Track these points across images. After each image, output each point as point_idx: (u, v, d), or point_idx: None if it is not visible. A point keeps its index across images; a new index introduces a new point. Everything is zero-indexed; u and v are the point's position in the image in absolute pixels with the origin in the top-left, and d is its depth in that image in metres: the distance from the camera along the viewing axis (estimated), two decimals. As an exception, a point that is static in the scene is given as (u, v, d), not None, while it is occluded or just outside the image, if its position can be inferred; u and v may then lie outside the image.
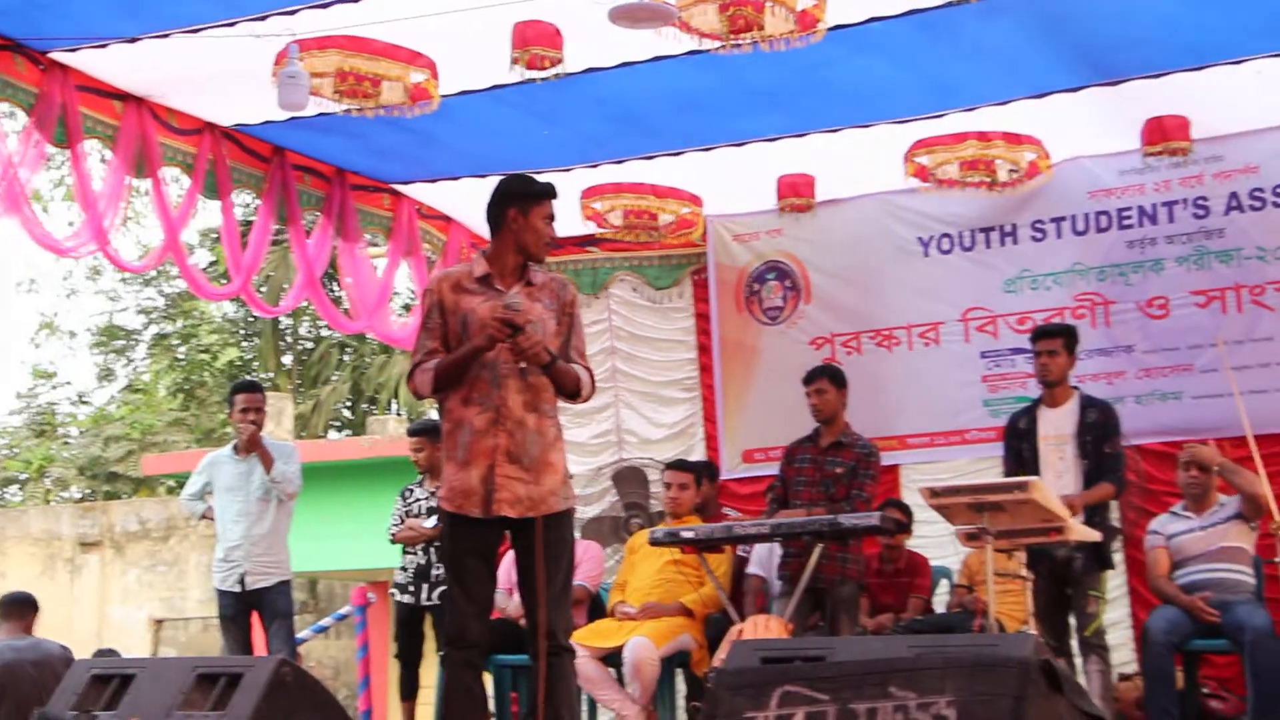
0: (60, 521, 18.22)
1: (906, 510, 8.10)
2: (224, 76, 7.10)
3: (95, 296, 31.92)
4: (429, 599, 8.07)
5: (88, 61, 6.97)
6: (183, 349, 26.86)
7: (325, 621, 12.59)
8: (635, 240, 9.08)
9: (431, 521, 7.95)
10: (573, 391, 5.14)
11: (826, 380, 7.53)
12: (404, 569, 8.25)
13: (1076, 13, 6.70)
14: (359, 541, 14.33)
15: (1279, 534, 6.52)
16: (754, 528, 7.08)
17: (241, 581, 7.90)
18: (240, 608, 7.96)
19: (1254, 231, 8.31)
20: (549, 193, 5.18)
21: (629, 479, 9.41)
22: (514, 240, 5.16)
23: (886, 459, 8.08)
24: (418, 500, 8.30)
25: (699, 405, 9.81)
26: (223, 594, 8.00)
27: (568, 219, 8.73)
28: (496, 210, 5.21)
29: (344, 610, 12.33)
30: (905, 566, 7.97)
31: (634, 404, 9.89)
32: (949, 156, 7.87)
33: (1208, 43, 6.97)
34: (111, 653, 8.75)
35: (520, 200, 5.15)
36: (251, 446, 7.95)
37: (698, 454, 9.59)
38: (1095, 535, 6.54)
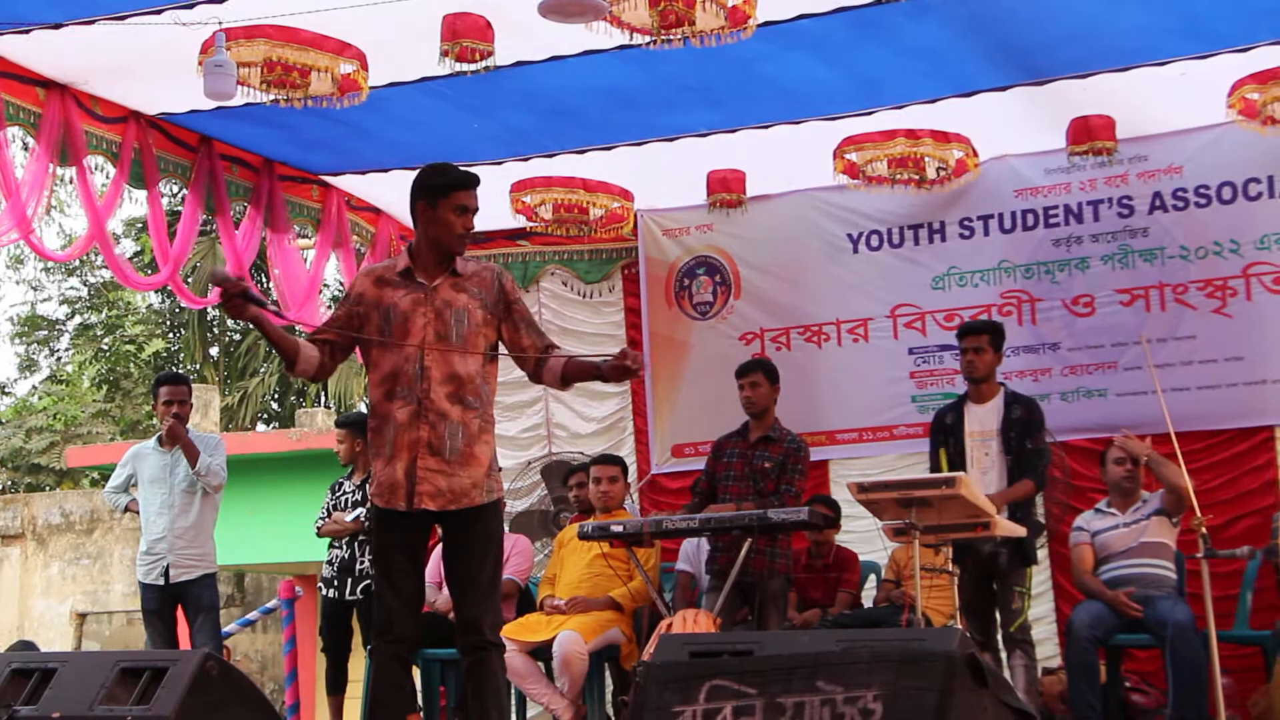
0: (-19, 514, 17.97)
1: (834, 506, 8.12)
2: (150, 64, 7.01)
3: (17, 286, 31.47)
4: (353, 593, 8.03)
5: (9, 47, 6.86)
6: (107, 340, 26.56)
7: (252, 615, 12.48)
8: (565, 234, 9.05)
9: (352, 515, 7.92)
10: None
11: (761, 374, 7.56)
12: (329, 563, 8.20)
13: (1004, 13, 6.74)
14: (286, 535, 14.24)
15: (1200, 530, 6.59)
16: (683, 522, 7.09)
17: (166, 574, 7.83)
18: (165, 601, 7.88)
19: (1177, 231, 8.41)
20: (460, 184, 5.07)
21: (558, 473, 9.40)
22: (424, 233, 5.13)
23: (816, 454, 8.11)
24: (345, 493, 8.26)
25: (629, 400, 9.80)
26: (146, 587, 7.92)
27: (498, 212, 8.72)
28: (411, 203, 5.17)
29: (271, 604, 12.21)
30: (833, 561, 7.99)
31: (563, 398, 9.86)
32: (878, 154, 7.90)
33: (1132, 44, 7.04)
34: (30, 645, 8.64)
35: (428, 193, 5.08)
36: (174, 439, 7.88)
37: (627, 449, 9.61)
38: (1020, 531, 6.59)
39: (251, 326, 4.99)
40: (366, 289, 5.14)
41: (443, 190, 5.06)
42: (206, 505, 7.99)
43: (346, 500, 8.19)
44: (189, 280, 22.54)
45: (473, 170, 5.27)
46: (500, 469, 5.25)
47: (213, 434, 8.39)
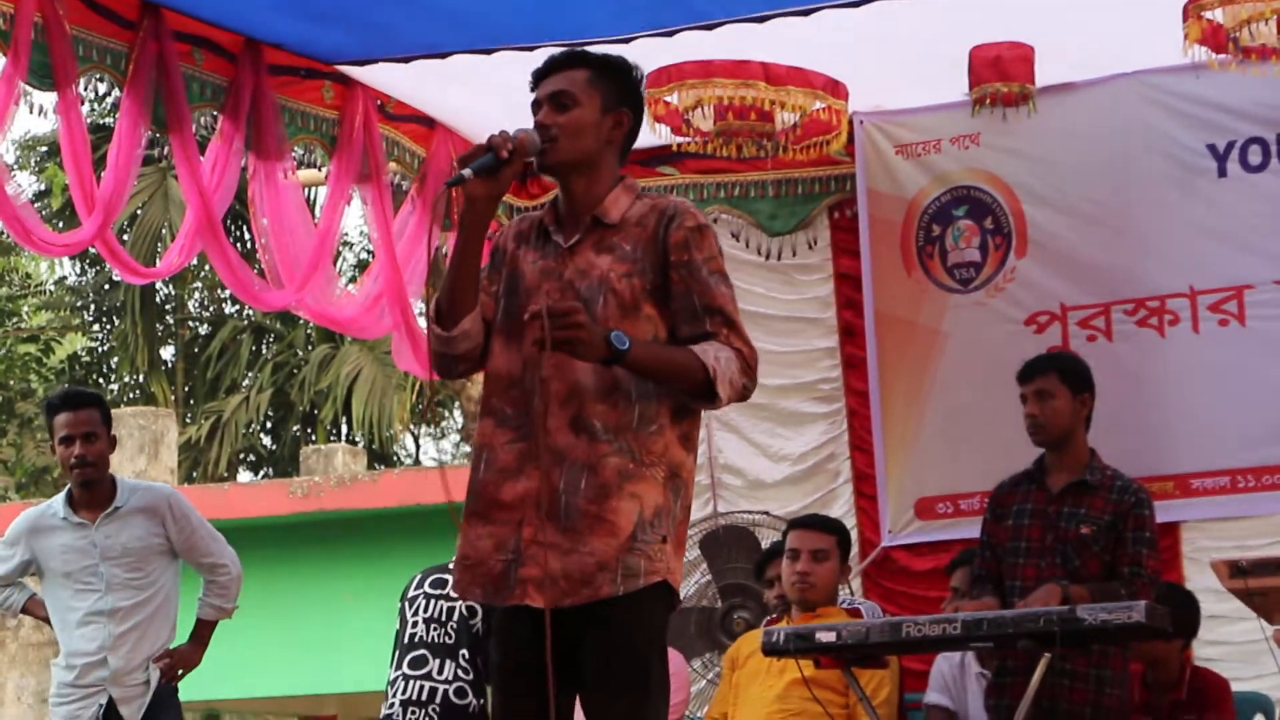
0: None
1: (1188, 602, 8.00)
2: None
3: None
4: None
5: None
6: (-8, 337, 27.11)
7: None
8: (736, 155, 9.11)
9: None
10: (691, 388, 5.07)
11: (1055, 377, 7.49)
12: None
13: None
14: (285, 653, 14.41)
15: None
16: (936, 626, 7.03)
17: (109, 711, 7.97)
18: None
19: None
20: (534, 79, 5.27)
21: (730, 547, 9.41)
22: None
23: (1158, 512, 7.99)
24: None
25: (843, 426, 9.86)
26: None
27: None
28: None
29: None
30: (1188, 693, 7.89)
31: (737, 424, 9.90)
32: (1261, 9, 7.76)
33: None
34: None
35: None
36: (174, 670, 8.12)
37: (842, 505, 9.63)
38: None
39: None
40: (507, 243, 5.32)
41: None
42: (164, 595, 8.14)
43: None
44: (125, 238, 22.85)
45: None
46: (667, 535, 5.17)
47: (162, 486, 8.49)
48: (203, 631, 8.21)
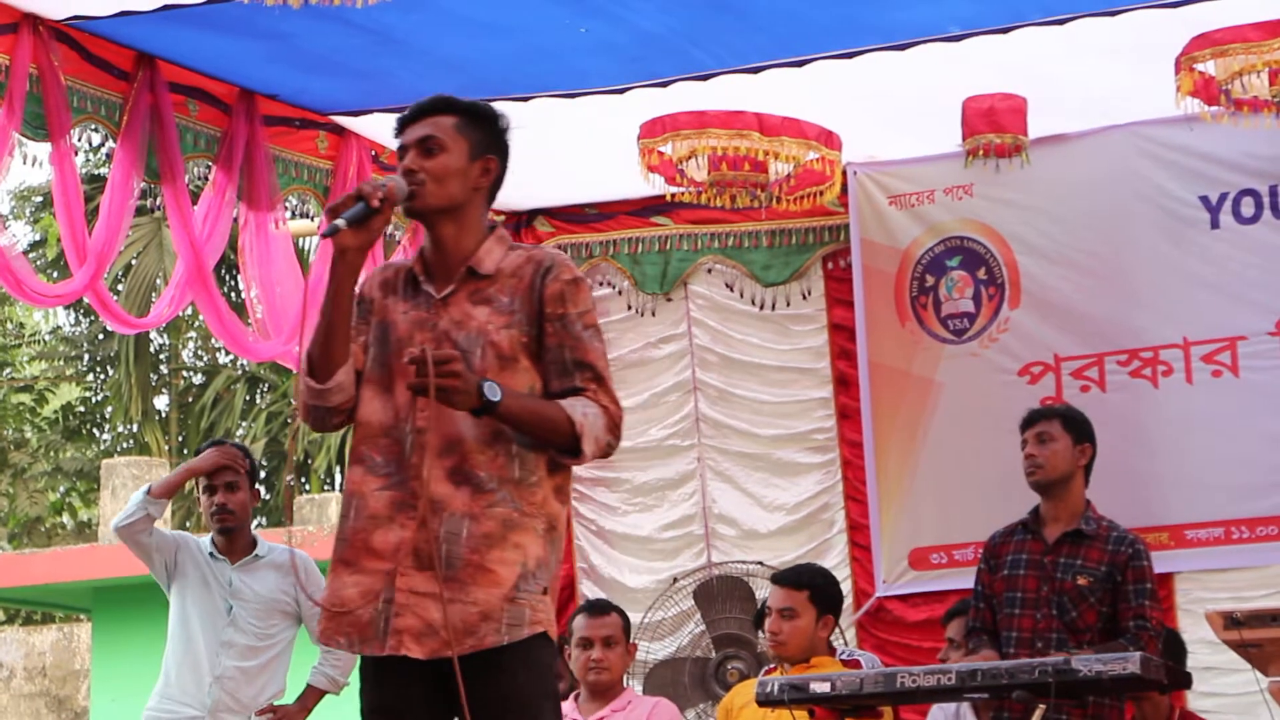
0: None
1: (1179, 650, 7.98)
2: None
3: None
4: None
5: None
6: (-13, 387, 27.09)
7: None
8: (730, 205, 9.09)
9: None
10: (557, 442, 5.09)
11: (1058, 423, 7.52)
12: None
13: None
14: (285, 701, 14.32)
15: None
16: (930, 676, 7.00)
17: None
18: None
19: None
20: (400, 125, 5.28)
21: (723, 597, 9.38)
22: None
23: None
24: None
25: (837, 477, 9.86)
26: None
27: (620, 173, 8.72)
28: None
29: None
30: (1180, 743, 7.89)
31: (731, 473, 9.90)
32: (1253, 61, 7.76)
33: None
34: None
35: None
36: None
37: (836, 556, 9.61)
38: None
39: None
40: (373, 292, 5.30)
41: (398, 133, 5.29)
42: (275, 653, 8.22)
43: None
44: (118, 289, 22.85)
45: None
46: (547, 588, 5.18)
47: (300, 551, 8.55)
48: (310, 698, 8.24)
